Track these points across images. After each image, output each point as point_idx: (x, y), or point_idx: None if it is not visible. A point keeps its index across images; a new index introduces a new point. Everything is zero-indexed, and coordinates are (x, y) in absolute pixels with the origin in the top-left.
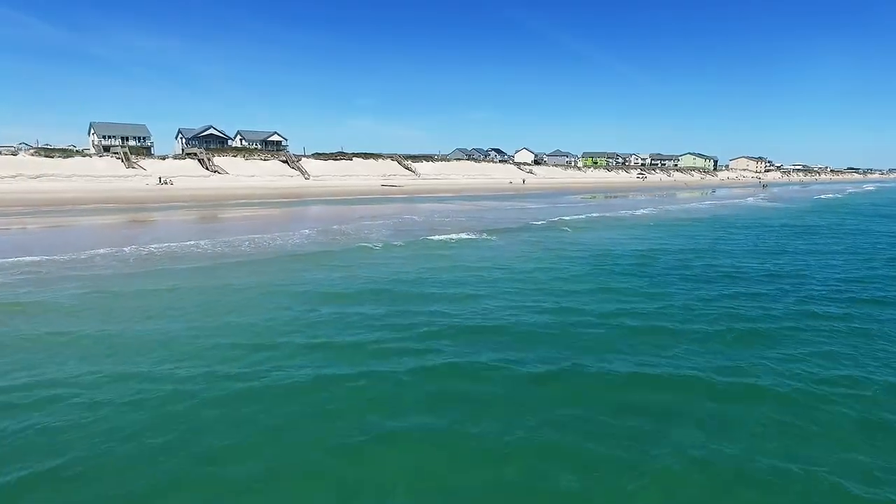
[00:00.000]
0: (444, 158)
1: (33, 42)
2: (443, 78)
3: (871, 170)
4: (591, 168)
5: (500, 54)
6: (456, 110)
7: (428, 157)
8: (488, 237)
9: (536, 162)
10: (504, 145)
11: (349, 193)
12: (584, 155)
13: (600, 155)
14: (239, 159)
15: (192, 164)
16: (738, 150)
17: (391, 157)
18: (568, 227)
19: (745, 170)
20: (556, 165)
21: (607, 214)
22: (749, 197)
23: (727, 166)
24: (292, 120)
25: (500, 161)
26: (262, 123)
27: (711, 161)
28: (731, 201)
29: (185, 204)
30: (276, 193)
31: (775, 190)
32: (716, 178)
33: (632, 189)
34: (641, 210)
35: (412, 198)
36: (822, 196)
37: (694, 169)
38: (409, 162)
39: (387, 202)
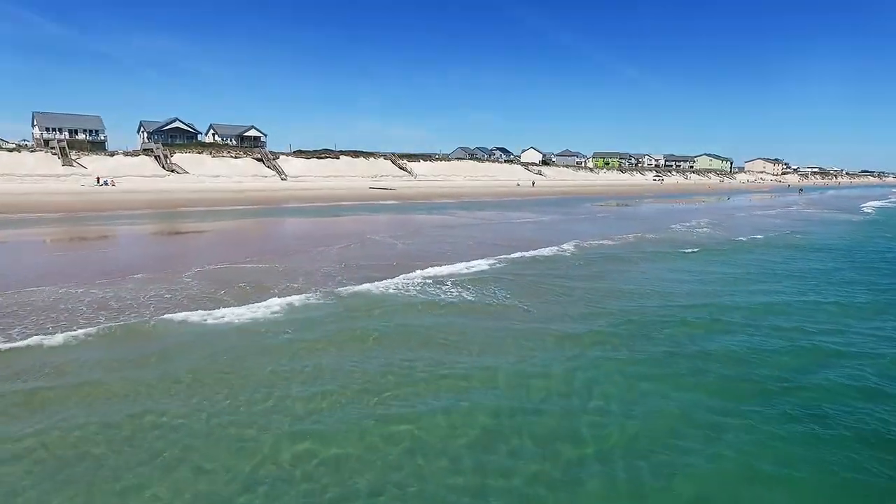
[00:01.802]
0: (445, 158)
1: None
2: (448, 79)
3: (885, 173)
4: (604, 169)
5: (506, 55)
6: (461, 111)
7: (426, 157)
8: (494, 288)
9: (545, 162)
10: (510, 145)
11: (330, 198)
12: (595, 155)
13: (612, 155)
14: (205, 156)
15: (146, 161)
16: (751, 151)
17: (385, 155)
18: (615, 259)
19: (762, 172)
20: (566, 166)
21: (659, 236)
22: (793, 205)
23: (742, 168)
24: (295, 119)
25: (505, 161)
26: (267, 123)
27: (728, 163)
28: (784, 210)
29: (110, 214)
30: (239, 198)
31: (814, 195)
32: (735, 180)
33: (653, 193)
34: (694, 226)
35: (402, 206)
36: (874, 203)
37: (710, 171)
38: (405, 161)
39: (368, 212)
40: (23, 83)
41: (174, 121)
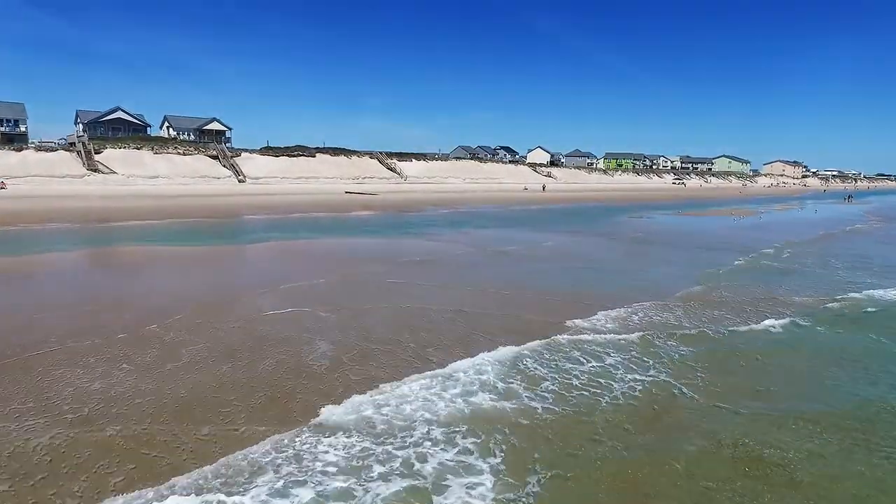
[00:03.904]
0: (444, 157)
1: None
2: (453, 79)
3: None
4: (619, 172)
5: (511, 55)
6: (464, 110)
7: (420, 156)
8: None
9: (553, 163)
10: (514, 145)
11: (290, 207)
12: (607, 156)
13: (625, 156)
14: (144, 152)
15: (65, 158)
16: (765, 152)
17: (371, 154)
18: (791, 383)
19: (782, 175)
20: (577, 168)
21: (783, 289)
22: (871, 217)
23: (757, 171)
24: (297, 119)
25: (510, 161)
26: (267, 122)
27: (747, 165)
28: (874, 226)
29: None
30: (161, 208)
31: (869, 205)
32: (757, 184)
33: (680, 200)
34: (813, 256)
35: (372, 220)
36: None
37: (730, 174)
38: (394, 161)
39: (316, 232)
40: None
41: (115, 110)
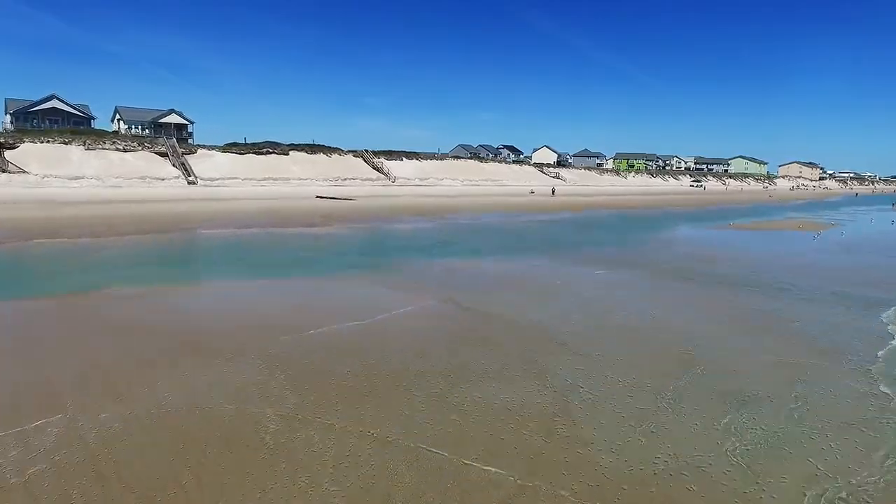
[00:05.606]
0: (442, 157)
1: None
2: (453, 79)
3: None
4: (631, 173)
5: (513, 56)
6: (466, 111)
7: (412, 154)
8: None
9: (560, 163)
10: (519, 145)
11: (229, 219)
12: (618, 156)
13: (637, 157)
14: (73, 148)
15: None
16: (780, 153)
17: (355, 152)
18: None
19: (799, 177)
20: (586, 168)
21: None
22: None
23: (770, 173)
24: (294, 119)
25: (514, 162)
26: (267, 123)
27: (764, 166)
28: None
29: None
30: (66, 220)
31: None
32: (777, 187)
33: (708, 204)
34: None
35: (323, 241)
36: None
37: (748, 175)
38: (382, 160)
39: (219, 264)
40: None
41: (50, 98)
